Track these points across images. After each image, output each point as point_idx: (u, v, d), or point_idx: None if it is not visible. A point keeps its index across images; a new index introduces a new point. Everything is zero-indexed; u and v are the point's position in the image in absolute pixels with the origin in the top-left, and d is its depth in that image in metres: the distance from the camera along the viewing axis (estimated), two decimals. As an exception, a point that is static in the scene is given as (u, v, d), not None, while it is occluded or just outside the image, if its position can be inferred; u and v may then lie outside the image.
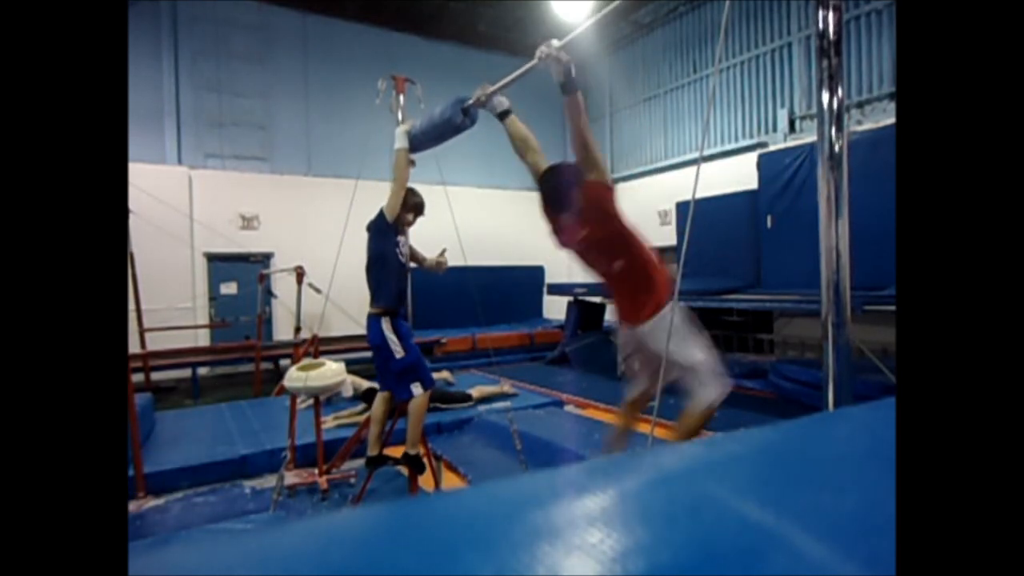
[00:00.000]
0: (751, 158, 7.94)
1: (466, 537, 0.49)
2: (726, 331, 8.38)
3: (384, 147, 3.31)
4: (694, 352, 2.35)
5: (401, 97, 3.75)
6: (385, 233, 3.37)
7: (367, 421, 3.71)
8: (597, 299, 8.52)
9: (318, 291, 5.21)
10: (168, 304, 8.24)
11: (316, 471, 3.74)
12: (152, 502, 3.54)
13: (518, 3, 9.83)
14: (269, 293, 7.88)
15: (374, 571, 0.44)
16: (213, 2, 9.08)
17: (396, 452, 3.47)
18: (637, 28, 11.04)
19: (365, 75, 8.30)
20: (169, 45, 8.85)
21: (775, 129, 8.59)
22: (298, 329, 5.91)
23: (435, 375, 6.50)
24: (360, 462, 3.67)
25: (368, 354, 3.49)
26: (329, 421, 4.74)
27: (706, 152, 9.10)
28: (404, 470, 3.52)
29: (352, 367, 4.16)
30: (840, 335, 1.75)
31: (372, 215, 3.43)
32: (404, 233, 3.52)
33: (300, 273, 5.80)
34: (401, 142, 3.24)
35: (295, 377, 3.54)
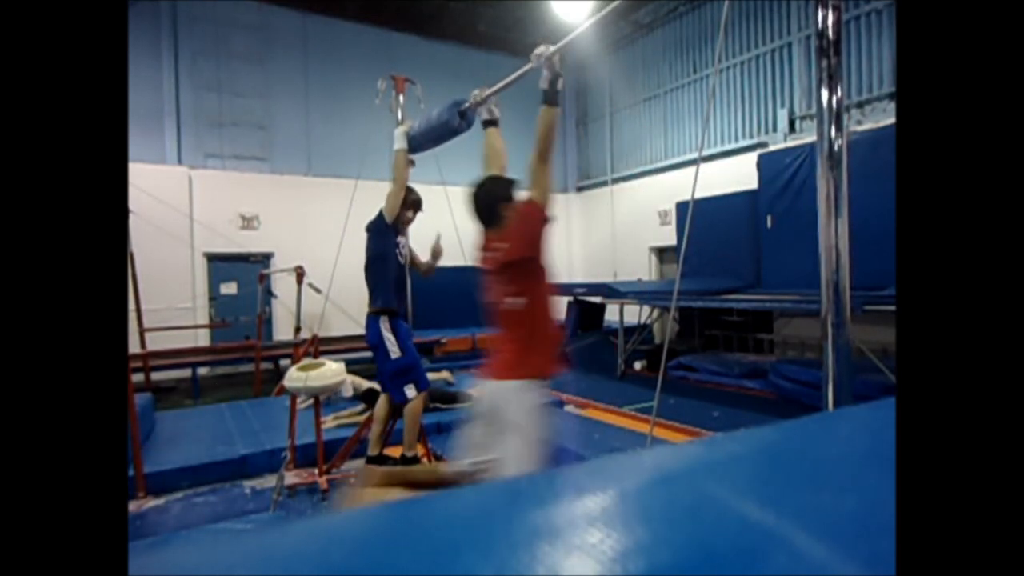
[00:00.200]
0: (751, 158, 7.94)
1: (466, 537, 0.49)
2: (726, 331, 8.39)
3: (384, 147, 3.31)
4: (520, 447, 1.98)
5: (401, 97, 3.75)
6: (384, 233, 3.37)
7: (367, 421, 3.71)
8: (597, 299, 8.52)
9: (318, 291, 5.20)
10: (168, 304, 8.24)
11: (316, 471, 3.74)
12: (152, 502, 3.54)
13: (518, 3, 9.83)
14: (269, 293, 7.88)
15: (374, 571, 0.44)
16: (213, 2, 9.08)
17: (396, 452, 3.47)
18: (637, 28, 11.04)
19: (365, 75, 8.30)
20: (169, 45, 8.84)
21: (775, 129, 8.59)
22: (298, 329, 5.90)
23: (435, 375, 6.52)
24: (360, 462, 3.67)
25: (368, 354, 3.49)
26: (329, 421, 4.74)
27: (706, 152, 9.10)
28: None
29: (352, 367, 4.16)
30: (840, 335, 1.75)
31: (372, 215, 3.43)
32: (404, 234, 3.53)
33: (300, 273, 5.80)
34: (400, 143, 3.25)
35: (295, 377, 3.54)
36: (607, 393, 6.37)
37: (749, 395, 6.23)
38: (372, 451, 3.47)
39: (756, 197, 7.52)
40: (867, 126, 6.96)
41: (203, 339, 8.69)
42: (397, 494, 1.97)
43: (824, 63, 1.75)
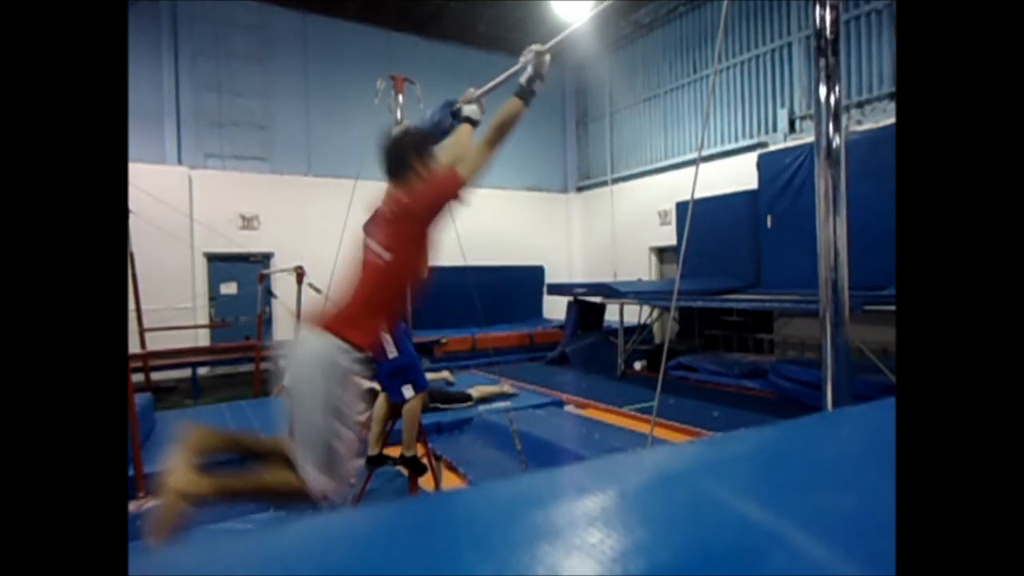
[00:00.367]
0: (751, 158, 7.94)
1: (466, 537, 0.49)
2: (726, 331, 8.39)
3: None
4: (331, 422, 1.70)
5: (400, 97, 3.75)
6: None
7: (367, 421, 3.70)
8: (597, 299, 8.52)
9: (318, 291, 5.21)
10: (168, 304, 8.24)
11: (316, 471, 3.73)
12: (152, 502, 3.53)
13: (518, 3, 9.83)
14: (269, 293, 7.88)
15: (374, 571, 0.44)
16: (213, 2, 9.08)
17: (396, 452, 3.46)
18: (637, 28, 11.04)
19: (365, 75, 8.30)
20: (169, 45, 8.85)
21: (775, 129, 8.59)
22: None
23: (435, 375, 6.52)
24: (360, 462, 3.67)
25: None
26: (329, 421, 4.73)
27: (706, 152, 9.10)
28: (404, 470, 3.52)
29: (352, 367, 4.14)
30: (839, 335, 1.75)
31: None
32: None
33: (300, 273, 5.80)
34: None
35: (295, 377, 3.53)
36: (607, 393, 6.38)
37: (749, 395, 6.24)
38: (372, 451, 3.47)
39: (756, 197, 7.53)
40: (867, 126, 6.95)
41: (203, 339, 8.69)
42: (207, 485, 1.79)
43: (823, 62, 1.75)
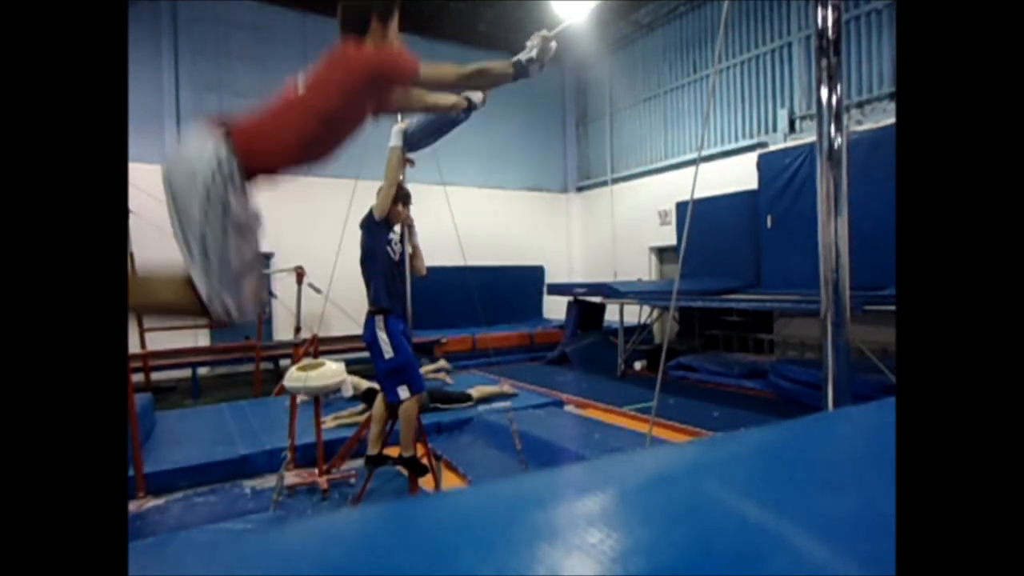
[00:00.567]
0: (751, 158, 7.94)
1: (466, 537, 0.49)
2: (726, 331, 8.39)
3: (384, 147, 3.31)
4: (217, 229, 1.49)
5: (401, 100, 3.75)
6: (374, 230, 3.38)
7: (367, 421, 3.71)
8: (597, 299, 8.52)
9: (318, 291, 5.20)
10: (168, 304, 8.23)
11: (316, 471, 3.74)
12: (152, 502, 3.53)
13: (518, 3, 9.82)
14: (269, 293, 7.87)
15: (374, 571, 0.44)
16: (213, 2, 9.08)
17: (396, 452, 3.47)
18: (637, 28, 11.04)
19: (365, 75, 8.28)
20: (169, 45, 8.84)
21: (775, 129, 8.59)
22: (298, 329, 5.90)
23: (433, 366, 6.51)
24: (360, 462, 3.67)
25: (367, 354, 3.49)
26: (329, 421, 4.74)
27: (706, 152, 9.09)
28: (404, 470, 3.52)
29: (352, 367, 4.16)
30: (840, 335, 1.75)
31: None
32: (403, 230, 3.52)
33: (300, 273, 5.80)
34: (396, 140, 3.24)
35: (295, 377, 3.54)
36: (607, 393, 6.38)
37: (749, 395, 6.24)
38: (371, 450, 3.47)
39: (756, 197, 7.52)
40: (867, 126, 6.95)
41: (203, 339, 8.68)
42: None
43: (824, 63, 1.75)
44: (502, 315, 10.21)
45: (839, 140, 1.75)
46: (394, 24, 1.82)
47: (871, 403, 0.90)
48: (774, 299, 6.32)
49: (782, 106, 8.52)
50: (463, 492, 0.96)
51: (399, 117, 3.61)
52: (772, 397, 5.99)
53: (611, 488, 0.60)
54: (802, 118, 8.29)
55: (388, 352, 3.29)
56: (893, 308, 4.70)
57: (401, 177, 3.41)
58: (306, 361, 3.95)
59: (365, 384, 5.15)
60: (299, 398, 3.92)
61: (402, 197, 3.42)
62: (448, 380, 6.47)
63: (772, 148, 8.10)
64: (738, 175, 8.17)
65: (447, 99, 2.23)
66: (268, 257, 9.22)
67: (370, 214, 3.37)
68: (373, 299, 3.38)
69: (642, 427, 4.85)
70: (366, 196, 3.53)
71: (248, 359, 7.77)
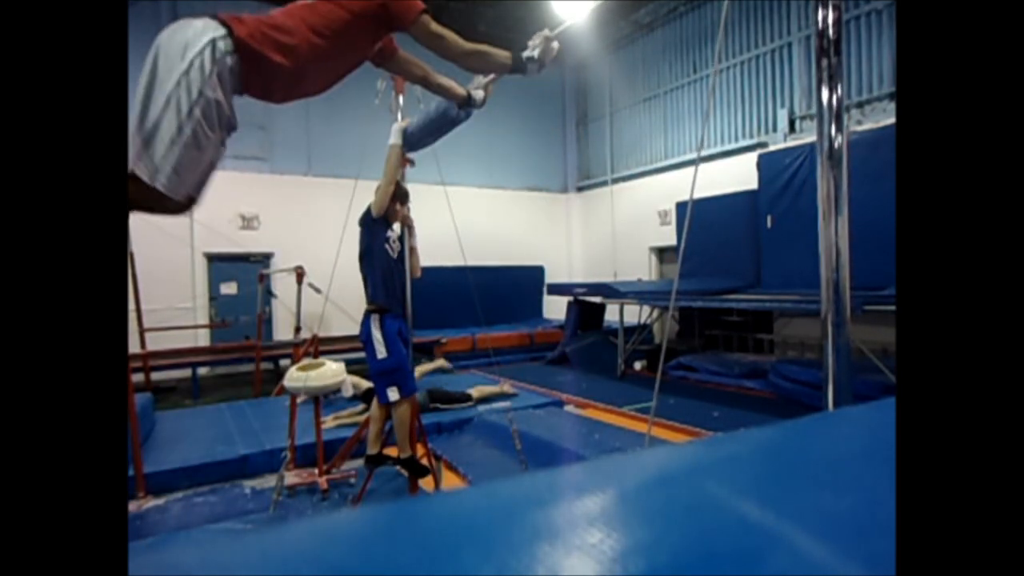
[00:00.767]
0: (751, 158, 7.94)
1: (466, 537, 0.49)
2: (726, 331, 8.39)
3: (384, 147, 3.31)
4: (184, 113, 1.42)
5: (400, 97, 3.75)
6: (372, 228, 3.38)
7: (367, 421, 3.71)
8: (597, 299, 8.52)
9: (318, 291, 5.21)
10: (168, 304, 8.24)
11: (316, 471, 3.74)
12: (152, 502, 3.54)
13: (518, 3, 9.83)
14: (269, 293, 7.88)
15: (374, 571, 0.44)
16: (213, 2, 9.07)
17: (396, 451, 3.47)
18: (637, 28, 11.04)
19: (365, 75, 8.29)
20: (169, 45, 8.84)
21: (775, 129, 8.59)
22: (298, 329, 5.91)
23: (432, 364, 6.52)
24: (360, 462, 3.67)
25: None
26: (329, 421, 4.74)
27: (706, 152, 9.10)
28: (404, 471, 3.52)
29: (352, 367, 4.16)
30: (840, 335, 1.75)
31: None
32: (403, 229, 3.52)
33: (300, 273, 5.80)
34: (395, 138, 3.24)
35: (295, 377, 3.54)
36: (607, 393, 6.38)
37: (749, 395, 6.24)
38: (371, 450, 3.47)
39: (756, 197, 7.53)
40: (867, 126, 6.96)
41: (203, 339, 8.69)
42: None
43: (824, 63, 1.75)
44: (502, 315, 10.21)
45: (839, 140, 1.75)
46: None
47: (871, 403, 0.90)
48: (774, 299, 6.32)
49: (782, 106, 8.52)
50: (463, 492, 0.96)
51: (399, 116, 3.61)
52: (772, 397, 5.99)
53: (611, 488, 0.60)
54: (802, 118, 8.29)
55: (381, 352, 3.29)
56: (893, 308, 4.70)
57: (400, 176, 3.41)
58: (306, 361, 3.95)
59: (365, 384, 5.15)
60: (299, 398, 3.92)
61: (400, 195, 3.42)
62: (447, 366, 6.46)
63: (772, 148, 8.10)
64: (738, 175, 8.18)
65: (450, 84, 2.19)
66: (268, 257, 9.23)
67: (368, 211, 3.38)
68: (371, 297, 3.38)
69: (642, 427, 4.86)
70: (366, 196, 3.53)
71: (248, 359, 7.77)
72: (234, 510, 3.46)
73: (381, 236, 3.40)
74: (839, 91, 1.74)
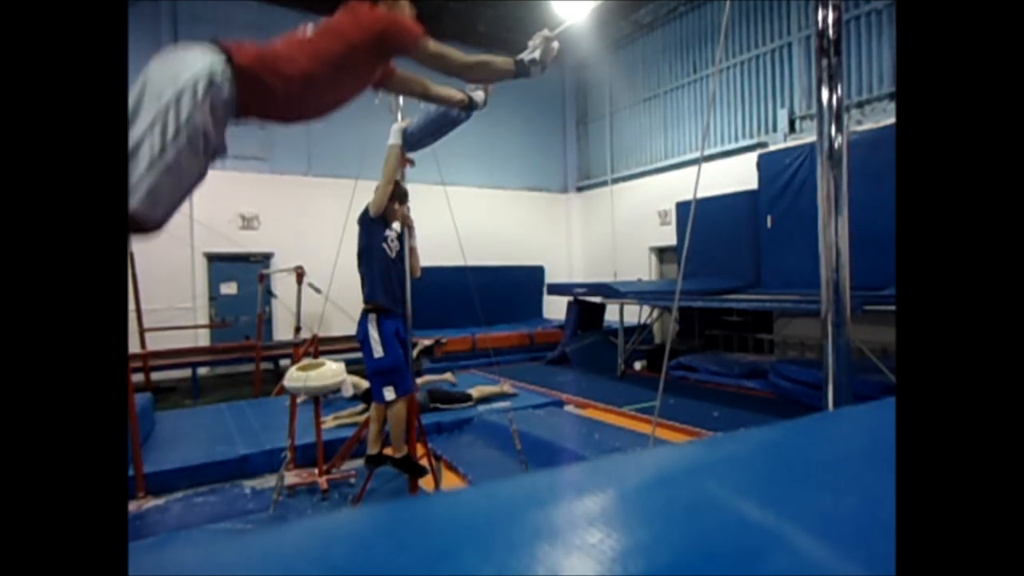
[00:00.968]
0: (751, 158, 7.94)
1: (466, 537, 0.49)
2: (726, 331, 8.39)
3: (384, 147, 3.31)
4: (176, 139, 1.38)
5: (400, 97, 3.75)
6: (371, 227, 3.38)
7: (367, 421, 3.71)
8: (597, 299, 8.52)
9: (318, 291, 5.21)
10: (168, 304, 8.24)
11: (316, 471, 3.74)
12: (152, 502, 3.54)
13: (518, 3, 9.83)
14: (269, 293, 7.88)
15: (374, 571, 0.44)
16: (213, 2, 9.08)
17: (392, 451, 3.47)
18: (637, 28, 11.04)
19: (365, 75, 8.30)
20: (169, 45, 8.85)
21: (775, 129, 8.59)
22: (298, 329, 5.91)
23: (438, 376, 6.53)
24: (360, 462, 3.67)
25: (366, 353, 3.50)
26: (329, 421, 4.74)
27: (706, 152, 9.10)
28: (400, 470, 3.52)
29: (352, 367, 4.16)
30: (840, 335, 1.75)
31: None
32: (403, 229, 3.52)
33: (300, 273, 5.81)
34: (395, 138, 3.24)
35: (295, 377, 3.54)
36: (607, 393, 6.38)
37: (749, 395, 6.24)
38: (371, 450, 3.47)
39: (756, 197, 7.53)
40: (867, 126, 6.96)
41: (203, 339, 8.69)
42: None
43: (824, 63, 1.75)
44: (502, 315, 10.21)
45: (839, 140, 1.75)
46: None
47: (871, 403, 0.90)
48: (774, 299, 6.32)
49: (782, 106, 8.52)
50: (463, 492, 0.96)
51: (399, 116, 3.61)
52: (772, 397, 5.99)
53: (611, 488, 0.60)
54: (802, 118, 8.29)
55: (378, 351, 3.29)
56: (893, 308, 4.70)
57: (400, 176, 3.41)
58: (306, 361, 3.95)
59: (365, 384, 5.14)
60: (299, 398, 3.92)
61: (399, 195, 3.42)
62: (452, 380, 6.48)
63: (772, 148, 8.10)
64: (738, 175, 8.18)
65: (449, 93, 2.21)
66: (268, 257, 9.23)
67: (366, 211, 3.38)
68: (367, 296, 3.38)
69: (642, 427, 4.86)
70: (366, 196, 3.53)
71: (248, 359, 7.77)
72: (234, 510, 3.46)
73: (379, 236, 3.40)
74: (839, 91, 1.74)
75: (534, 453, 4.02)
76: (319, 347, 6.03)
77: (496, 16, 10.46)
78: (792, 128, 8.40)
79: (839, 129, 1.74)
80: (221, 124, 1.52)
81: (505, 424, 4.17)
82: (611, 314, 9.07)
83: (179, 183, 1.44)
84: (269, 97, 1.58)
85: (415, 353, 5.50)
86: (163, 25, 8.80)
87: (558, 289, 9.28)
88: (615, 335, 8.03)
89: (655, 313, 8.41)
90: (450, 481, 3.95)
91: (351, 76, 1.72)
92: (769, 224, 7.28)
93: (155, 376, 7.25)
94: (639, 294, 7.39)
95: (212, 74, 1.45)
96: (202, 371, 8.06)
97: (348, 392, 5.10)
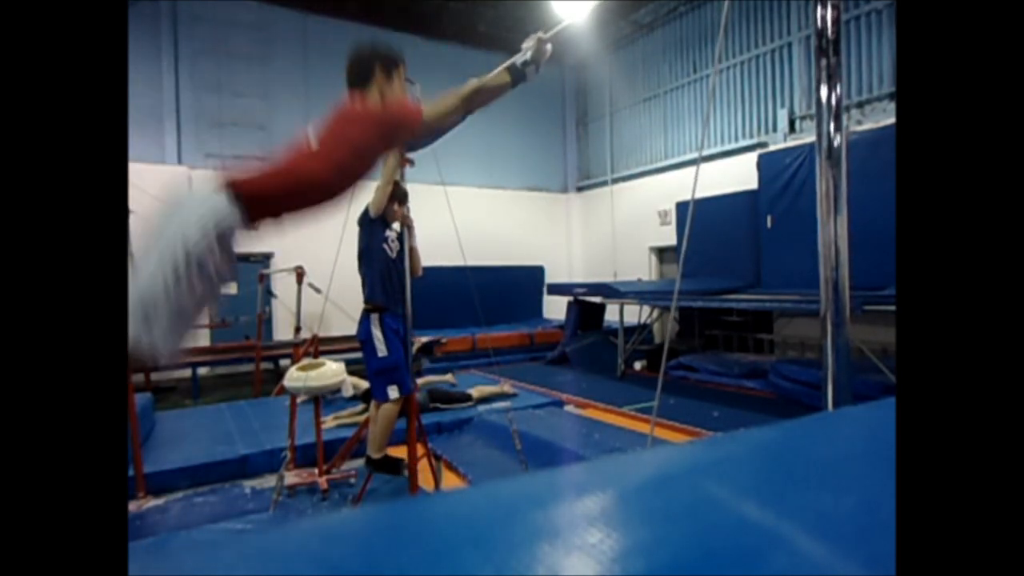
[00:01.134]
0: (751, 158, 7.94)
1: (466, 537, 0.49)
2: (726, 331, 8.39)
3: (384, 147, 3.31)
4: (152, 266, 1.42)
5: (401, 97, 3.75)
6: (371, 228, 3.39)
7: (367, 421, 3.71)
8: (597, 299, 8.52)
9: (318, 291, 5.21)
10: (168, 304, 8.23)
11: (316, 471, 3.74)
12: (152, 502, 3.54)
13: (518, 3, 9.83)
14: (269, 293, 7.88)
15: (374, 571, 0.44)
16: (213, 2, 9.08)
17: (400, 451, 3.47)
18: (637, 28, 11.04)
19: (365, 75, 8.30)
20: (169, 45, 8.85)
21: (775, 129, 8.59)
22: (298, 329, 5.91)
23: (439, 377, 6.53)
24: (360, 462, 3.67)
25: (366, 353, 3.50)
26: (329, 421, 4.74)
27: (706, 152, 9.10)
28: (404, 471, 3.52)
29: (352, 367, 4.16)
30: (839, 335, 1.75)
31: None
32: (403, 229, 3.52)
33: (300, 273, 5.80)
34: None
35: (295, 377, 3.53)
36: (607, 393, 6.38)
37: (749, 395, 6.24)
38: (371, 452, 3.47)
39: (756, 197, 7.53)
40: (867, 126, 6.95)
41: (203, 339, 8.69)
42: None
43: (823, 63, 1.75)
44: (502, 315, 10.21)
45: (838, 140, 1.75)
46: (399, 74, 1.90)
47: (871, 403, 0.90)
48: (774, 299, 6.32)
49: (782, 106, 8.52)
50: (463, 492, 0.96)
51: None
52: (772, 397, 5.99)
53: (611, 488, 0.60)
54: (802, 118, 8.29)
55: (381, 350, 3.29)
56: (893, 308, 4.70)
57: (400, 176, 3.41)
58: (306, 361, 3.95)
59: (365, 384, 5.14)
60: (299, 398, 3.92)
61: (399, 195, 3.42)
62: (453, 380, 6.48)
63: (772, 148, 8.10)
64: (738, 175, 8.17)
65: (492, 81, 2.12)
66: (268, 257, 9.23)
67: (366, 211, 3.38)
68: (369, 296, 3.39)
69: (642, 427, 4.86)
70: (366, 196, 3.53)
71: (248, 359, 7.77)
72: (234, 510, 3.46)
73: (379, 236, 3.40)
74: (838, 91, 1.74)
75: (534, 453, 4.02)
76: (319, 347, 6.02)
77: (496, 16, 10.46)
78: (792, 128, 8.40)
79: (838, 129, 1.74)
80: (229, 257, 1.56)
81: (505, 424, 4.16)
82: (611, 314, 9.07)
83: (187, 321, 1.53)
84: (282, 210, 1.68)
85: (414, 351, 5.50)
86: (163, 25, 8.80)
87: (558, 289, 9.28)
88: (615, 335, 8.03)
89: (655, 313, 8.41)
90: (450, 481, 3.95)
91: (361, 167, 1.77)
92: (769, 224, 7.28)
93: (155, 376, 7.25)
94: (639, 294, 7.39)
95: (219, 220, 1.50)
96: (202, 371, 8.06)
97: (348, 392, 5.10)
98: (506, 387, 5.95)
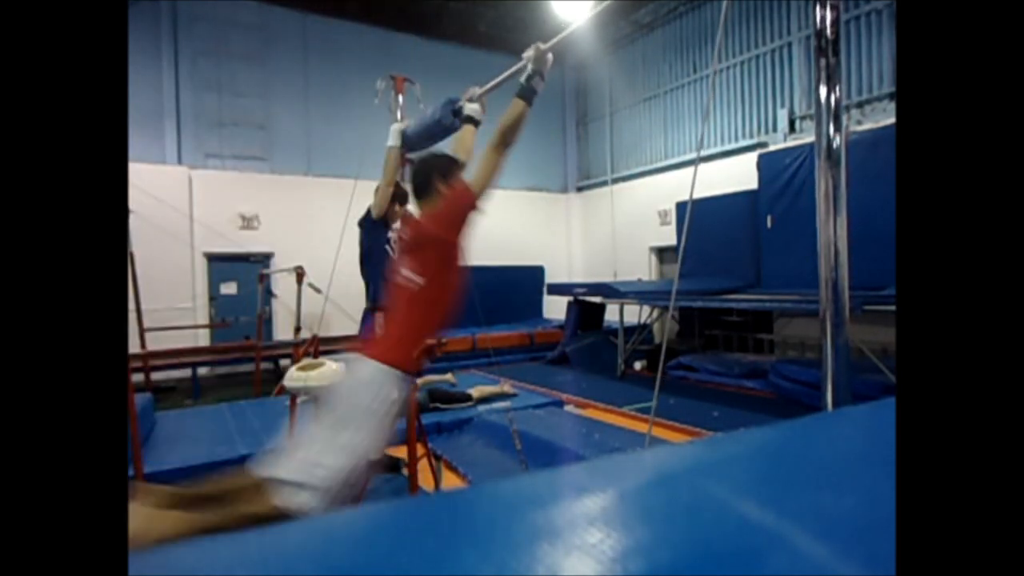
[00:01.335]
0: (751, 158, 7.94)
1: (466, 537, 0.49)
2: (726, 331, 8.39)
3: (383, 147, 3.32)
4: (345, 443, 1.66)
5: (400, 97, 3.75)
6: (373, 229, 3.39)
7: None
8: (597, 299, 8.52)
9: (318, 291, 5.21)
10: (168, 304, 8.24)
11: (316, 471, 3.73)
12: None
13: (518, 3, 9.82)
14: (269, 293, 7.88)
15: (374, 571, 0.44)
16: (213, 2, 9.08)
17: (399, 451, 3.46)
18: (637, 28, 11.04)
19: (365, 75, 8.30)
20: (169, 45, 8.85)
21: (775, 129, 8.59)
22: (298, 329, 5.91)
23: (439, 377, 6.52)
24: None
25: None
26: (329, 421, 4.73)
27: (706, 152, 9.10)
28: (405, 470, 3.51)
29: (352, 367, 4.15)
30: (839, 335, 1.75)
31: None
32: (397, 228, 3.52)
33: (300, 273, 5.81)
34: (393, 140, 3.25)
35: (295, 377, 3.53)
36: (607, 393, 6.38)
37: (749, 395, 6.24)
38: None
39: (756, 197, 7.53)
40: (867, 126, 6.95)
41: (203, 339, 8.69)
42: (171, 522, 1.46)
43: (823, 62, 1.75)
44: (502, 315, 10.20)
45: (838, 140, 1.75)
46: (455, 175, 2.09)
47: (871, 403, 0.90)
48: (774, 299, 6.32)
49: (782, 106, 8.52)
50: (463, 492, 0.96)
51: (398, 116, 3.61)
52: (772, 397, 5.99)
53: (611, 488, 0.60)
54: (802, 118, 8.29)
55: None
56: (893, 308, 4.70)
57: (400, 177, 3.41)
58: (306, 361, 3.94)
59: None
60: (299, 398, 3.92)
61: (400, 196, 3.42)
62: (453, 380, 6.48)
63: (772, 148, 8.10)
64: (738, 175, 8.17)
65: (509, 116, 2.17)
66: (268, 257, 9.23)
67: (368, 213, 3.38)
68: (372, 297, 3.39)
69: (642, 427, 4.85)
70: (366, 196, 3.53)
71: (248, 359, 7.77)
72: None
73: (381, 237, 3.40)
74: (838, 91, 1.74)
75: (534, 453, 4.01)
76: (319, 347, 6.02)
77: (496, 16, 10.46)
78: (792, 128, 8.40)
79: (837, 129, 1.74)
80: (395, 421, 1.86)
81: (505, 424, 4.16)
82: (611, 314, 9.07)
83: (350, 491, 1.74)
84: (423, 354, 2.00)
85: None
86: (163, 25, 8.80)
87: (558, 289, 9.27)
88: (615, 335, 8.03)
89: (655, 313, 8.41)
90: (450, 481, 3.95)
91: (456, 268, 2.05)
92: (769, 224, 7.28)
93: (155, 376, 7.24)
94: (639, 294, 7.39)
95: (383, 387, 1.77)
96: (202, 371, 8.06)
97: (348, 392, 5.08)
98: (506, 387, 5.95)
